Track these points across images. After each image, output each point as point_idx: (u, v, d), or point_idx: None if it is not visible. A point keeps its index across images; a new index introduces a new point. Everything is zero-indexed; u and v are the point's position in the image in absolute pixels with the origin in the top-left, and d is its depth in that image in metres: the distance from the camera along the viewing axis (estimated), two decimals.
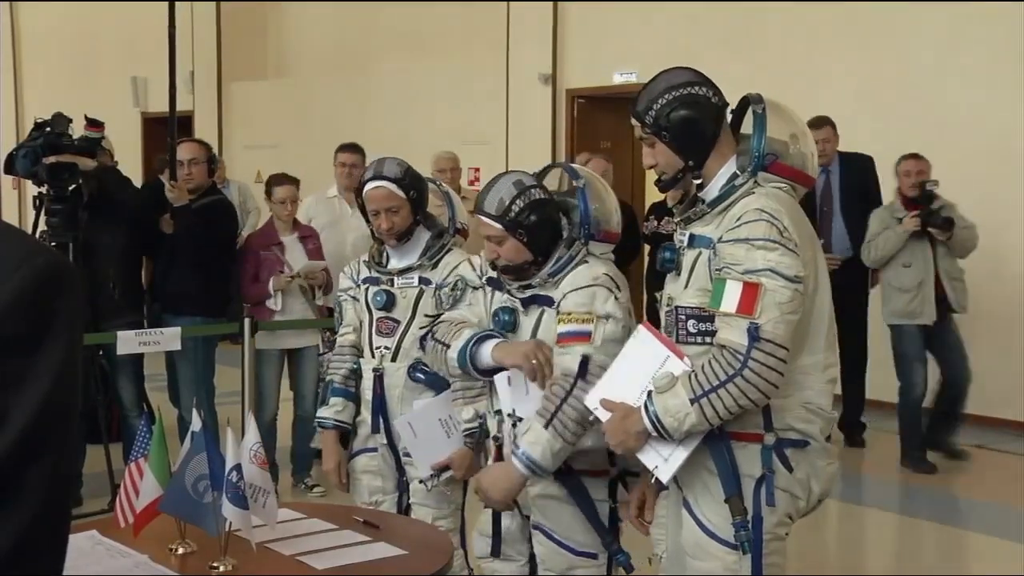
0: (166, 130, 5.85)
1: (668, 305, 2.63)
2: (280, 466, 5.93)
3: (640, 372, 2.55)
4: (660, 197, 9.40)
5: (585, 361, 2.71)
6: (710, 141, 2.57)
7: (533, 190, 2.81)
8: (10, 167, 5.42)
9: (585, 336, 2.73)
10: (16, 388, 0.87)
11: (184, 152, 5.79)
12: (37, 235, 5.23)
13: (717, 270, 2.47)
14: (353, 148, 6.61)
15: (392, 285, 3.44)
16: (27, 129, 5.80)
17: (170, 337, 5.32)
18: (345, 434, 3.55)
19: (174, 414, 5.83)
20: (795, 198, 2.60)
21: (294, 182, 6.07)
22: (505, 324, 2.86)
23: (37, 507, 0.88)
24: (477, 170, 10.55)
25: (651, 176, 10.54)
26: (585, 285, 2.79)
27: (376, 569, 2.53)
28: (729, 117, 2.65)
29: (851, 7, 8.07)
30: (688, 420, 2.44)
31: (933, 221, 6.36)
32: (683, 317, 2.56)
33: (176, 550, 2.55)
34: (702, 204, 2.60)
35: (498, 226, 2.78)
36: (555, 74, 10.14)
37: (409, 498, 3.44)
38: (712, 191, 2.59)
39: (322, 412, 3.56)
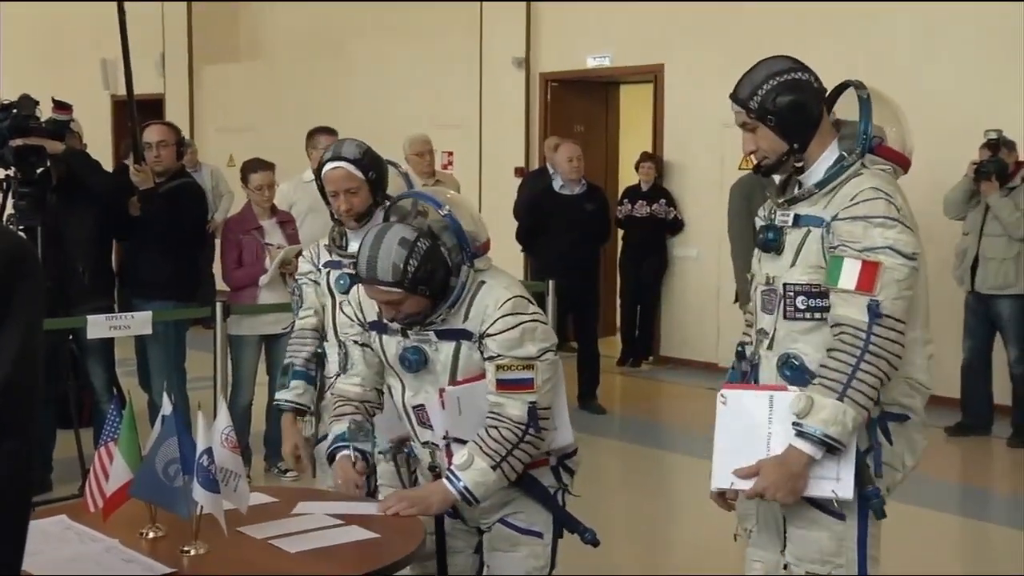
0: (137, 113, 5.80)
1: (767, 284, 2.70)
2: (253, 450, 5.93)
3: (753, 427, 2.58)
4: (633, 181, 9.44)
5: (533, 408, 2.75)
6: (815, 124, 2.65)
7: (419, 242, 2.72)
8: None
9: (528, 384, 2.76)
10: None
11: (152, 134, 5.73)
12: (4, 219, 5.18)
13: (832, 247, 2.54)
14: (328, 131, 6.55)
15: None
16: None
17: (141, 321, 5.30)
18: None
19: (144, 399, 5.80)
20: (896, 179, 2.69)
21: (270, 167, 6.01)
22: (415, 364, 2.84)
23: None
24: (450, 154, 10.52)
25: (624, 160, 10.43)
26: (506, 325, 2.75)
27: (348, 552, 2.54)
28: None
29: None
30: (849, 416, 2.46)
31: (980, 168, 6.39)
32: (791, 294, 2.63)
33: (147, 534, 2.54)
34: (804, 186, 2.66)
35: (398, 291, 2.72)
36: (528, 58, 10.12)
37: (377, 480, 3.44)
38: (816, 173, 2.65)
39: (282, 395, 3.59)
